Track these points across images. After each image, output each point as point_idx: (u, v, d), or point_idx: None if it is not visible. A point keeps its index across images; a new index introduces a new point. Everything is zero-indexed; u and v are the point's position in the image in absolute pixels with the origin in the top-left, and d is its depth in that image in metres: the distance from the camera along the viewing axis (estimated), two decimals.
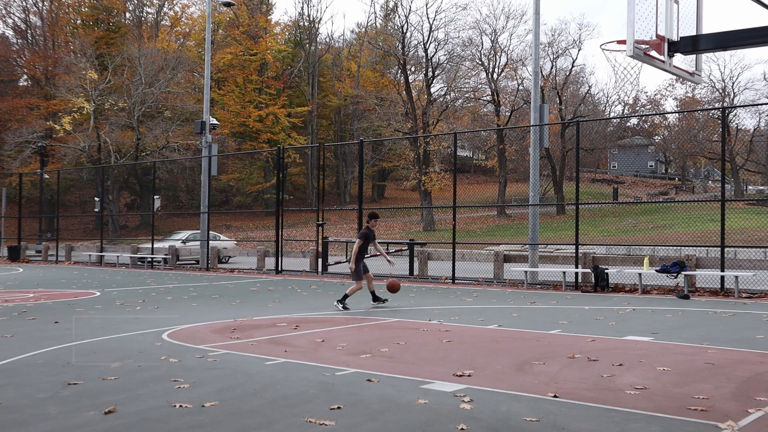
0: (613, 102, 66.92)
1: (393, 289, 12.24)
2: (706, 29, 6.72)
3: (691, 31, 6.65)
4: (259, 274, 21.58)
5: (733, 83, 58.07)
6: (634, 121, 73.98)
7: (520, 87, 53.15)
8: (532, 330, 9.08)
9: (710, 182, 69.91)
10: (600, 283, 14.92)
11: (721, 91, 57.28)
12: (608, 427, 4.60)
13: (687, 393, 5.48)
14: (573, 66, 55.68)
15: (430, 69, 51.28)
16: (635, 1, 6.07)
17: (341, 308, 11.40)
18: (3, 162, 49.68)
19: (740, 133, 56.00)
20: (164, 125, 48.43)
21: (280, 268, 21.47)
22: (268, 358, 7.04)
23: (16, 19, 60.41)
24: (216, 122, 27.40)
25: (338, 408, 5.05)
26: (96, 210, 35.78)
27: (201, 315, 10.84)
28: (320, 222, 21.36)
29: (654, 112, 66.75)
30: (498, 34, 51.82)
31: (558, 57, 53.91)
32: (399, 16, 53.60)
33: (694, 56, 6.90)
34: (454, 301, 13.15)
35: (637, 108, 66.70)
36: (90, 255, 27.87)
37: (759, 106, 55.60)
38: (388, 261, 12.16)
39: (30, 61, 59.31)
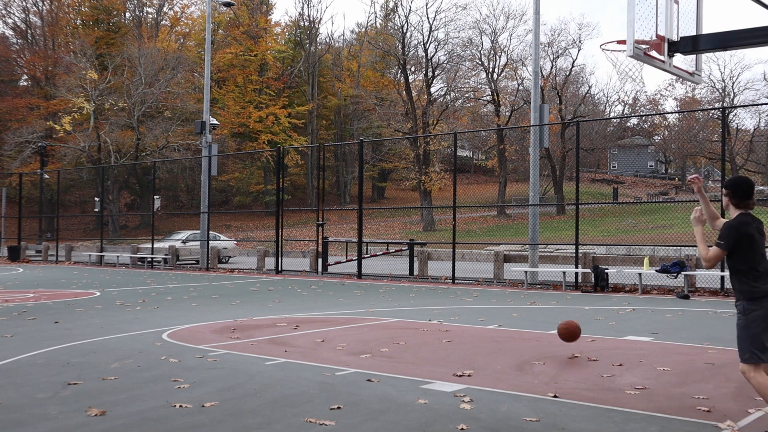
0: (613, 102, 66.98)
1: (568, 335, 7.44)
2: (706, 29, 6.73)
3: (691, 31, 6.65)
4: (259, 274, 21.58)
5: (733, 83, 58.06)
6: (634, 121, 74.04)
7: (520, 87, 53.16)
8: (532, 330, 9.08)
9: (710, 182, 69.86)
10: (600, 283, 14.92)
11: (721, 91, 57.26)
12: (608, 427, 4.60)
13: (687, 393, 5.48)
14: (573, 66, 55.72)
15: (430, 69, 51.28)
16: (635, 1, 6.07)
17: None
18: (3, 162, 49.67)
19: (740, 133, 55.96)
20: (164, 125, 48.43)
21: (280, 268, 21.47)
22: (268, 358, 7.04)
23: (16, 19, 60.46)
24: (216, 122, 27.40)
25: (338, 408, 5.05)
26: (96, 210, 35.79)
27: (201, 315, 10.83)
28: (320, 222, 21.37)
29: (654, 112, 66.77)
30: (498, 34, 51.85)
31: (558, 57, 53.95)
32: (399, 16, 53.63)
33: (694, 56, 6.91)
34: (454, 301, 13.15)
35: (637, 108, 66.70)
36: (90, 255, 27.86)
37: (759, 106, 55.56)
38: None
39: (30, 61, 59.30)
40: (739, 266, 4.44)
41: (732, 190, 4.56)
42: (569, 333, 7.28)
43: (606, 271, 15.11)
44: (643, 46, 6.23)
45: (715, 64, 58.09)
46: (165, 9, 63.17)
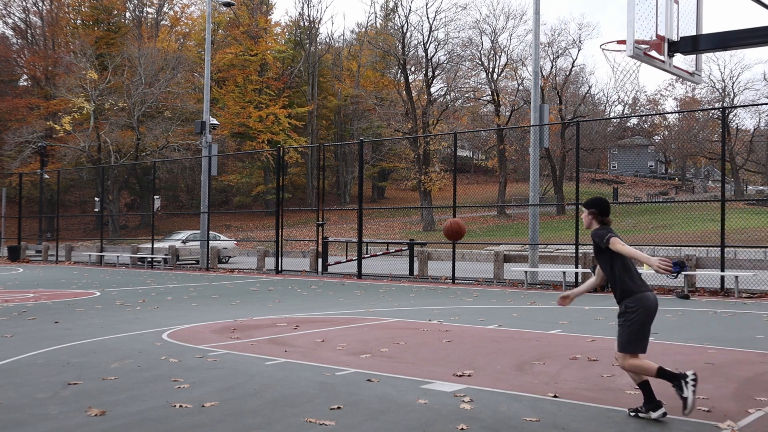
0: (613, 102, 67.01)
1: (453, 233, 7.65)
2: (706, 29, 6.72)
3: (691, 31, 6.65)
4: (259, 274, 21.58)
5: (733, 83, 58.09)
6: (634, 121, 74.06)
7: (520, 87, 53.16)
8: (532, 330, 9.08)
9: (710, 182, 69.94)
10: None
11: (721, 91, 57.29)
12: (608, 427, 4.60)
13: None
14: (573, 66, 55.74)
15: (430, 69, 51.29)
16: (635, 1, 6.07)
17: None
18: (3, 162, 49.67)
19: (740, 133, 56.01)
20: (164, 125, 48.44)
21: (280, 268, 21.47)
22: (268, 358, 7.04)
23: (16, 19, 60.47)
24: (216, 122, 27.40)
25: (338, 408, 5.05)
26: (96, 210, 35.79)
27: (201, 315, 10.83)
28: (320, 222, 21.37)
29: (654, 112, 66.79)
30: (498, 34, 51.86)
31: (558, 57, 53.96)
32: (399, 16, 53.65)
33: (694, 56, 6.90)
34: (454, 301, 13.15)
35: (637, 108, 66.72)
36: (90, 255, 27.86)
37: (759, 106, 55.61)
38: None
39: (30, 61, 59.30)
40: (621, 266, 4.84)
41: (597, 209, 5.02)
42: (453, 231, 7.03)
43: None
44: (643, 46, 6.23)
45: (715, 64, 58.19)
46: (165, 9, 63.18)
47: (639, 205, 46.92)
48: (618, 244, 4.78)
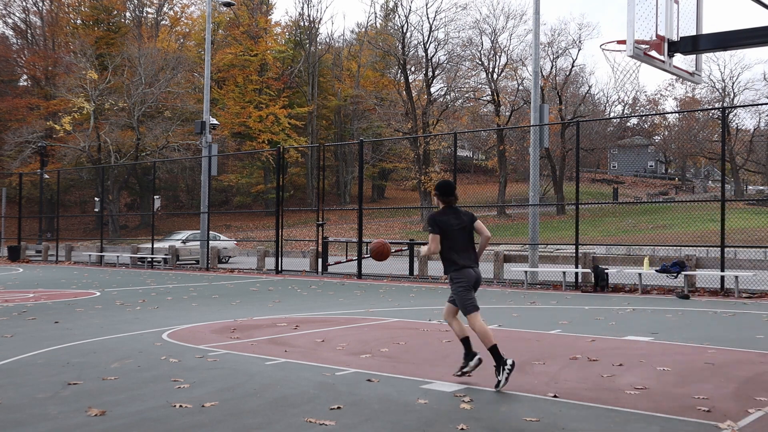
0: (613, 102, 67.00)
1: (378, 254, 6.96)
2: (706, 29, 6.72)
3: (691, 31, 6.65)
4: (259, 274, 21.58)
5: (733, 83, 58.07)
6: (634, 121, 74.07)
7: (520, 87, 53.15)
8: (532, 330, 9.08)
9: (710, 182, 69.94)
10: (600, 283, 14.92)
11: (721, 91, 57.28)
12: (608, 427, 4.60)
13: (687, 393, 5.48)
14: (573, 66, 55.70)
15: (430, 69, 51.30)
16: (635, 1, 6.06)
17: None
18: (3, 162, 49.67)
19: (740, 133, 56.00)
20: (164, 125, 48.42)
21: (280, 268, 21.47)
22: (268, 358, 7.04)
23: (16, 19, 60.49)
24: (216, 122, 27.39)
25: (338, 408, 5.05)
26: (96, 210, 35.80)
27: (201, 315, 10.83)
28: (320, 222, 21.37)
29: (654, 112, 66.83)
30: (498, 34, 51.85)
31: (558, 57, 53.94)
32: (399, 16, 53.67)
33: (694, 56, 6.90)
34: None
35: (637, 108, 66.74)
36: (90, 255, 27.86)
37: (759, 106, 55.61)
38: None
39: (30, 61, 59.32)
40: (444, 246, 5.90)
41: (438, 191, 6.07)
42: (380, 253, 7.04)
43: (606, 271, 15.11)
44: (643, 46, 6.22)
45: (715, 64, 58.18)
46: (165, 9, 63.19)
47: (639, 205, 46.92)
48: (430, 241, 5.88)
